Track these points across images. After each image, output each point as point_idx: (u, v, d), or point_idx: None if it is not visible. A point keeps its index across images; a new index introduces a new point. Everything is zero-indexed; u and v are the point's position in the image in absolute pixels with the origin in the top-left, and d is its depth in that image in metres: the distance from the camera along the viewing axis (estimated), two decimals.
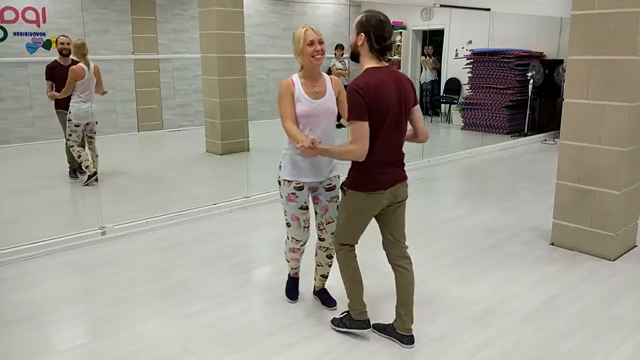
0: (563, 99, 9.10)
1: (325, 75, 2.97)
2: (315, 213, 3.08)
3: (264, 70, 10.72)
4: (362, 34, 2.54)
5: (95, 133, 5.91)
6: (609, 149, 3.78)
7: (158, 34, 9.34)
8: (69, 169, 6.12)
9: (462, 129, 10.16)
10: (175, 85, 9.71)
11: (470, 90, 10.02)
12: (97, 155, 5.91)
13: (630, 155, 3.79)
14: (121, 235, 4.40)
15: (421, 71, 11.51)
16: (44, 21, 8.03)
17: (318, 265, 3.20)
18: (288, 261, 3.26)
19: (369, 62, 2.58)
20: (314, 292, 3.33)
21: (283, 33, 11.18)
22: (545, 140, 9.11)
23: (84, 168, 5.82)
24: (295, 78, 2.88)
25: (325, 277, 3.22)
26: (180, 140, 9.15)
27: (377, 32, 2.52)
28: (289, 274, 3.35)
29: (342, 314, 2.97)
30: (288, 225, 3.04)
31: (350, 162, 2.64)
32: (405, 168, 2.75)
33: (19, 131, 8.00)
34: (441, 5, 6.67)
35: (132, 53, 9.02)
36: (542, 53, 9.67)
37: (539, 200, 5.52)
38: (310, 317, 3.13)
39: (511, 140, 8.94)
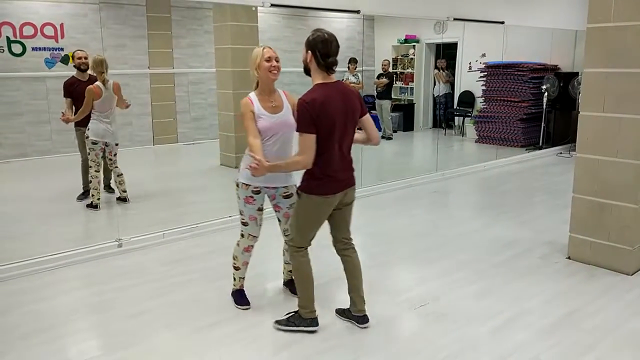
0: (578, 112, 9.05)
1: (279, 90, 3.17)
2: (279, 220, 3.32)
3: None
4: (309, 51, 2.77)
5: (115, 155, 5.63)
6: (626, 162, 3.75)
7: (174, 48, 9.48)
8: (82, 190, 5.93)
9: (476, 141, 10.12)
10: (190, 99, 9.82)
11: (484, 103, 10.00)
12: (120, 175, 5.65)
13: None
14: (137, 247, 4.44)
15: (434, 84, 11.52)
16: (62, 36, 8.19)
17: (287, 263, 3.55)
18: (238, 269, 3.40)
19: (317, 78, 2.80)
20: (284, 284, 3.66)
21: (297, 47, 11.28)
22: (561, 153, 9.04)
23: (91, 194, 5.53)
24: (253, 96, 3.06)
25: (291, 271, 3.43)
26: (195, 154, 9.23)
27: (323, 50, 2.74)
28: (234, 289, 3.47)
29: (287, 314, 3.13)
30: (245, 224, 3.25)
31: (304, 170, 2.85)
32: (354, 173, 3.01)
33: (37, 145, 8.13)
34: (455, 19, 6.68)
35: (149, 67, 9.16)
36: (556, 66, 9.63)
37: (555, 213, 5.47)
38: (321, 331, 3.12)
39: (526, 153, 8.88)
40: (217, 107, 8.09)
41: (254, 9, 7.05)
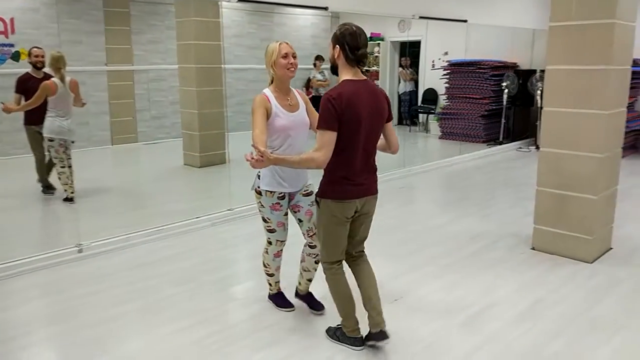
0: (537, 108, 9.27)
1: (293, 89, 3.02)
2: (300, 221, 3.11)
3: (243, 81, 10.68)
4: (337, 46, 2.64)
5: (69, 153, 5.46)
6: (587, 156, 3.88)
7: (133, 44, 9.22)
8: (42, 187, 5.85)
9: (439, 138, 10.29)
10: (150, 96, 9.59)
11: (447, 101, 10.17)
12: (69, 175, 5.50)
13: (607, 161, 3.89)
14: (99, 252, 4.27)
15: (399, 82, 11.64)
16: (13, 32, 7.83)
17: (305, 271, 3.22)
18: (272, 275, 3.26)
19: (346, 74, 2.65)
20: (296, 296, 3.38)
21: (262, 44, 11.18)
22: (520, 148, 9.30)
23: (64, 190, 5.49)
24: (269, 92, 2.90)
25: (310, 280, 3.27)
26: (157, 153, 9.02)
27: (351, 43, 2.61)
28: (271, 294, 3.36)
29: (338, 325, 2.95)
30: (272, 231, 3.09)
31: (323, 172, 2.69)
32: (377, 180, 2.81)
33: None
34: (420, 17, 6.76)
35: (106, 64, 8.88)
36: (515, 63, 9.89)
37: (518, 206, 5.61)
38: (298, 330, 3.10)
39: (488, 149, 9.09)
40: (180, 104, 7.92)
41: (219, 4, 6.95)
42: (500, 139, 9.50)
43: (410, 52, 11.28)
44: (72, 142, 5.51)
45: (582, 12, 3.74)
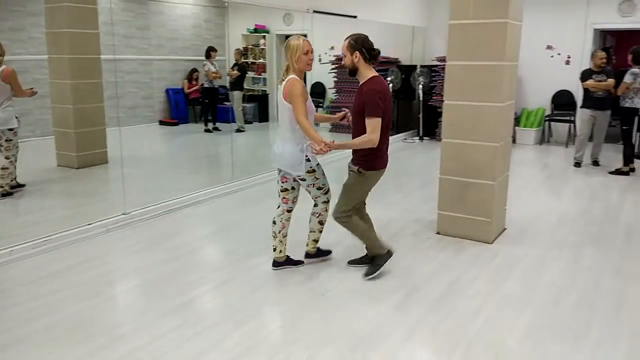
0: (419, 101, 9.84)
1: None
2: (294, 189, 3.70)
3: (119, 73, 9.92)
4: (357, 52, 3.31)
5: (8, 142, 5.51)
6: (485, 145, 4.20)
7: None
8: None
9: (330, 131, 10.47)
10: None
11: (336, 94, 10.40)
12: (5, 167, 5.53)
13: (501, 149, 4.25)
14: None
15: None
16: None
17: (311, 232, 3.83)
18: (322, 228, 3.83)
19: (370, 72, 3.38)
20: (306, 257, 3.90)
21: (137, 33, 10.47)
22: (406, 139, 9.82)
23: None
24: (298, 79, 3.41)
25: (316, 241, 3.87)
26: (23, 154, 7.97)
27: (367, 46, 3.34)
28: (319, 249, 3.94)
29: (371, 264, 3.67)
30: (327, 192, 3.73)
31: (362, 149, 3.38)
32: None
33: None
34: (314, 11, 6.80)
35: None
36: (397, 59, 10.41)
37: (417, 194, 5.94)
38: (236, 332, 2.96)
39: None
40: (51, 99, 7.10)
41: None
42: None
43: None
44: (10, 129, 5.51)
45: (478, 12, 4.02)
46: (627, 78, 6.55)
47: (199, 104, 10.95)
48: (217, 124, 10.21)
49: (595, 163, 7.34)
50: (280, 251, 3.77)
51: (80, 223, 4.50)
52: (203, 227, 4.90)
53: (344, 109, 3.77)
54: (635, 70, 6.55)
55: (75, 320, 3.09)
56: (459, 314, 3.20)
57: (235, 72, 9.85)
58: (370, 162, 3.45)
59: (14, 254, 3.95)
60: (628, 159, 6.87)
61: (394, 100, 9.90)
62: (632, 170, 6.88)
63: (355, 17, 7.67)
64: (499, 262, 4.00)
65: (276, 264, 3.79)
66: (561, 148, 8.82)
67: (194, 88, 11.12)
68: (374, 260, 3.66)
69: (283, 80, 3.46)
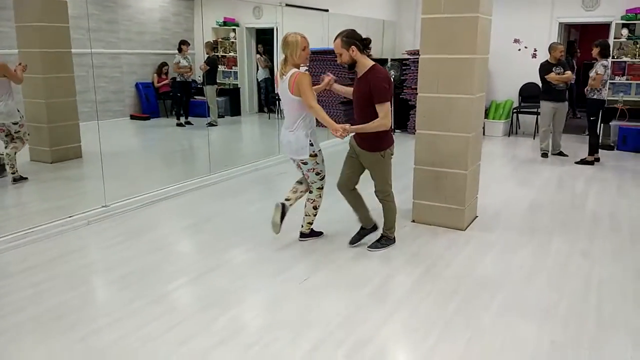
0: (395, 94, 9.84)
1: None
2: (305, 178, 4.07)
3: (84, 67, 9.78)
4: (353, 46, 3.53)
5: (17, 133, 5.85)
6: (457, 135, 4.36)
7: None
8: None
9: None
10: None
11: None
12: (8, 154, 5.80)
13: (473, 140, 4.42)
14: None
15: (257, 69, 11.66)
16: None
17: (306, 215, 4.18)
18: (316, 212, 4.15)
19: (368, 61, 3.65)
20: (301, 236, 4.25)
21: (105, 26, 10.33)
22: None
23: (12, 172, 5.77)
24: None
25: (311, 223, 4.22)
26: None
27: (358, 38, 3.58)
28: (312, 230, 4.25)
29: (378, 238, 4.07)
30: (323, 177, 4.07)
31: (374, 132, 3.63)
32: None
33: None
34: (287, 5, 6.87)
35: None
36: (369, 53, 10.53)
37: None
38: (219, 318, 3.05)
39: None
40: (22, 94, 6.99)
41: None
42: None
43: (262, 39, 11.37)
44: (14, 123, 5.79)
45: (450, 6, 4.16)
46: (600, 70, 6.70)
47: (170, 97, 10.88)
48: (189, 118, 10.16)
49: (561, 154, 7.59)
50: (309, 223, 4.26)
51: (60, 216, 4.51)
52: (182, 219, 4.94)
53: (324, 75, 4.11)
54: (605, 62, 6.75)
55: (60, 311, 3.12)
56: (436, 295, 3.36)
57: (204, 65, 9.76)
58: (385, 142, 3.77)
59: None
60: (593, 149, 7.12)
61: None
62: (597, 160, 7.15)
63: (327, 10, 7.76)
64: (472, 247, 4.17)
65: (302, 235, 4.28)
66: (529, 139, 9.12)
67: (163, 82, 11.04)
68: (382, 238, 4.07)
69: (283, 74, 3.76)
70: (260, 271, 3.74)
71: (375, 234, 4.16)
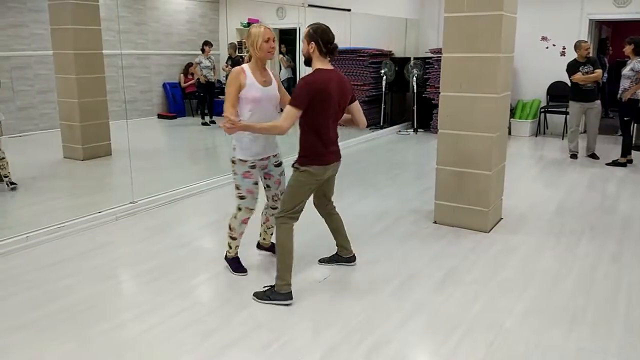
0: (413, 93, 9.93)
1: (269, 69, 3.46)
2: (269, 187, 3.61)
3: (114, 67, 10.01)
4: (312, 42, 3.14)
5: None
6: (481, 135, 4.32)
7: None
8: None
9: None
10: (14, 86, 8.59)
11: None
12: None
13: (498, 139, 4.38)
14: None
15: (280, 69, 11.72)
16: None
17: (269, 227, 3.82)
18: (235, 239, 3.61)
19: (318, 64, 3.18)
20: (259, 247, 4.00)
21: (134, 28, 10.55)
22: (400, 131, 9.95)
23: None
24: (247, 68, 3.32)
25: (231, 247, 3.72)
26: (28, 147, 8.12)
27: (324, 38, 3.15)
28: (227, 257, 3.71)
29: (264, 287, 3.32)
30: (243, 198, 3.47)
31: (302, 144, 3.22)
32: (339, 148, 3.42)
33: None
34: (309, 5, 6.90)
35: None
36: (391, 51, 10.51)
37: (412, 185, 6.06)
38: (241, 313, 3.10)
39: (370, 133, 9.57)
40: (57, 93, 7.21)
41: None
42: (381, 124, 10.08)
43: (284, 39, 11.43)
44: None
45: (473, 5, 4.13)
46: (637, 66, 6.51)
47: (195, 97, 11.05)
48: (214, 117, 10.31)
49: (593, 156, 7.33)
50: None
51: (90, 211, 4.65)
52: (207, 216, 5.03)
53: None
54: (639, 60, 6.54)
55: (90, 302, 3.23)
56: (457, 298, 3.34)
57: (229, 67, 9.89)
58: (308, 157, 3.21)
59: (30, 239, 4.11)
60: (626, 150, 6.91)
61: (387, 92, 10.05)
62: (630, 161, 6.93)
63: (349, 10, 7.77)
64: (496, 249, 4.13)
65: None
66: (557, 140, 8.96)
67: (190, 82, 11.21)
68: (270, 288, 3.27)
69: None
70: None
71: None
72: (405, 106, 10.53)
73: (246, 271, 3.65)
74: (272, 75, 3.46)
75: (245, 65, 3.33)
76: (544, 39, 9.19)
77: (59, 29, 6.80)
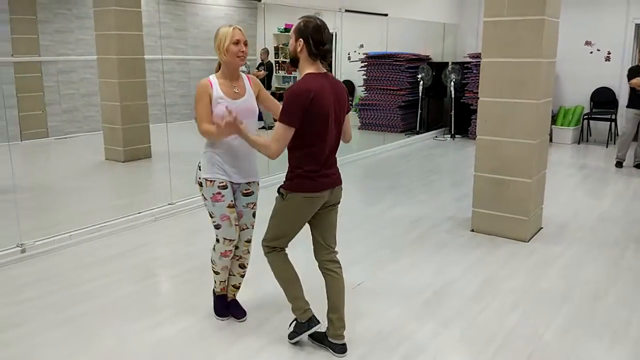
0: (450, 99, 9.82)
1: (243, 75, 2.92)
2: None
3: (155, 72, 10.27)
4: (301, 39, 2.53)
5: None
6: (521, 142, 4.23)
7: (39, 34, 8.52)
8: None
9: (359, 128, 10.58)
10: (60, 89, 8.93)
11: (365, 92, 10.48)
12: None
13: (538, 147, 4.27)
14: (43, 251, 4.01)
15: None
16: None
17: (230, 275, 3.09)
18: (217, 273, 3.04)
19: (307, 68, 2.55)
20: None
21: (175, 34, 10.81)
22: (437, 137, 9.83)
23: None
24: (213, 79, 2.80)
25: (237, 287, 3.15)
26: (72, 149, 8.43)
27: (316, 37, 2.52)
28: (214, 292, 3.15)
29: (290, 324, 2.86)
30: (217, 227, 2.88)
31: (289, 165, 2.64)
32: (339, 171, 2.80)
33: None
34: (346, 10, 6.92)
35: (12, 55, 8.13)
36: (428, 56, 10.42)
37: (448, 191, 5.97)
38: (275, 317, 3.11)
39: (406, 138, 9.51)
40: (100, 97, 7.45)
41: None
42: (417, 129, 9.99)
43: None
44: None
45: (513, 9, 4.05)
46: None
47: None
48: None
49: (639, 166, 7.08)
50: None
51: (130, 212, 4.77)
52: None
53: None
54: None
55: (127, 302, 3.30)
56: (495, 308, 3.26)
57: (262, 72, 9.97)
58: (296, 182, 2.61)
59: (73, 238, 4.25)
60: None
61: (424, 97, 9.96)
62: None
63: (386, 15, 7.75)
64: (535, 259, 4.02)
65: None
66: (601, 148, 8.67)
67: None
68: (294, 323, 2.84)
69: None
70: (314, 274, 3.76)
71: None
72: (442, 111, 10.41)
73: (227, 316, 3.08)
74: (246, 84, 2.89)
75: (211, 76, 2.82)
76: (587, 43, 8.93)
77: (103, 34, 7.04)
